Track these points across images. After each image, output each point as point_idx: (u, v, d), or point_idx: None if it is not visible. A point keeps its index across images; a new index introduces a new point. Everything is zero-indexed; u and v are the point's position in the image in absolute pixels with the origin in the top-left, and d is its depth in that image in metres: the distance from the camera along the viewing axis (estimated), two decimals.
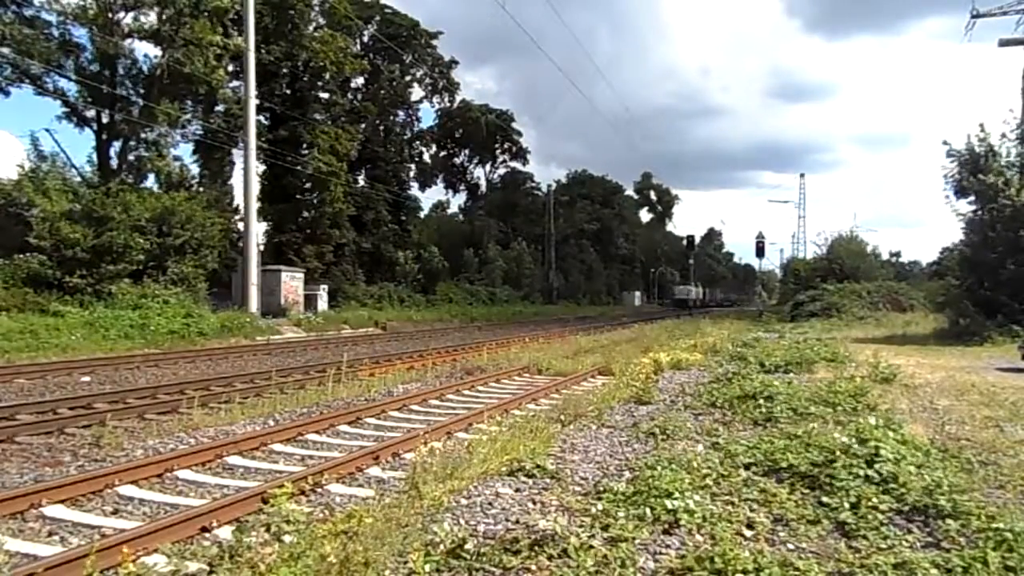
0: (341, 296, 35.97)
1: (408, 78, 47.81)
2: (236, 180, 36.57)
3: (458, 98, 56.13)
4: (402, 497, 4.99)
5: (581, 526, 4.20)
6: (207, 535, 4.87)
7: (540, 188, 68.84)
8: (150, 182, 29.38)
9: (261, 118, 32.81)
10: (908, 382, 10.99)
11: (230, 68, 30.52)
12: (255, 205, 26.99)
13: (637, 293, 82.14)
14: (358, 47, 42.55)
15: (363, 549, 3.58)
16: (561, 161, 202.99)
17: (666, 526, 4.28)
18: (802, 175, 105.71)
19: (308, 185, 36.51)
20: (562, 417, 8.08)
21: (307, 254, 35.89)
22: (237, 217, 33.36)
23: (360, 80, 42.95)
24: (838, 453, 5.32)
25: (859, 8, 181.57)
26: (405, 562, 3.67)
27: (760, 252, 65.97)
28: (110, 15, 26.25)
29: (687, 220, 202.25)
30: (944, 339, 20.82)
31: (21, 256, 21.11)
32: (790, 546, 4.08)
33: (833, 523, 4.38)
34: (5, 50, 24.22)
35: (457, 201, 65.68)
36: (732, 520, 4.38)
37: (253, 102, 26.35)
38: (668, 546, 4.04)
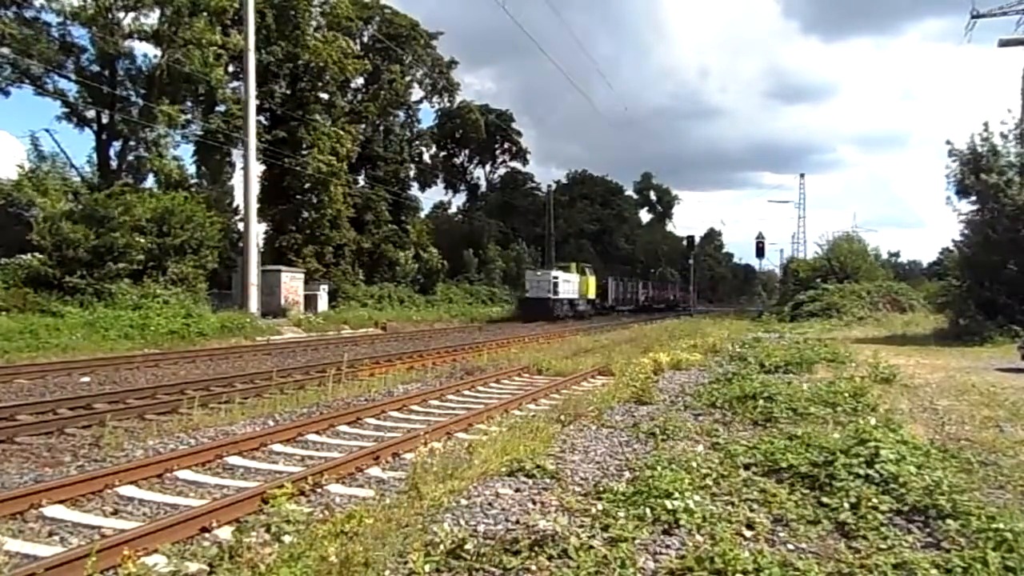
0: (341, 296, 35.98)
1: (408, 78, 47.76)
2: (236, 180, 36.54)
3: (458, 98, 56.18)
4: (402, 497, 4.99)
5: (581, 526, 4.19)
6: (207, 535, 4.87)
7: (540, 188, 68.75)
8: (150, 182, 29.46)
9: (261, 118, 32.81)
10: (908, 382, 10.99)
11: (230, 68, 30.55)
12: (255, 205, 26.98)
13: None
14: (358, 47, 42.53)
15: (363, 549, 3.59)
16: (561, 161, 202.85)
17: (666, 526, 4.28)
18: (802, 175, 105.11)
19: (308, 186, 36.50)
20: (562, 417, 8.08)
21: (307, 254, 35.88)
22: (237, 217, 33.34)
23: (360, 80, 42.96)
24: (838, 453, 5.32)
25: (856, 10, 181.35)
26: (405, 562, 3.66)
27: (760, 252, 65.78)
28: (110, 15, 26.28)
29: (687, 220, 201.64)
30: (944, 339, 20.81)
31: (22, 256, 21.13)
32: (790, 546, 4.08)
33: (833, 523, 4.38)
34: (5, 50, 24.27)
35: (457, 201, 65.75)
36: (732, 520, 4.38)
37: (253, 102, 26.34)
38: (668, 546, 4.03)
